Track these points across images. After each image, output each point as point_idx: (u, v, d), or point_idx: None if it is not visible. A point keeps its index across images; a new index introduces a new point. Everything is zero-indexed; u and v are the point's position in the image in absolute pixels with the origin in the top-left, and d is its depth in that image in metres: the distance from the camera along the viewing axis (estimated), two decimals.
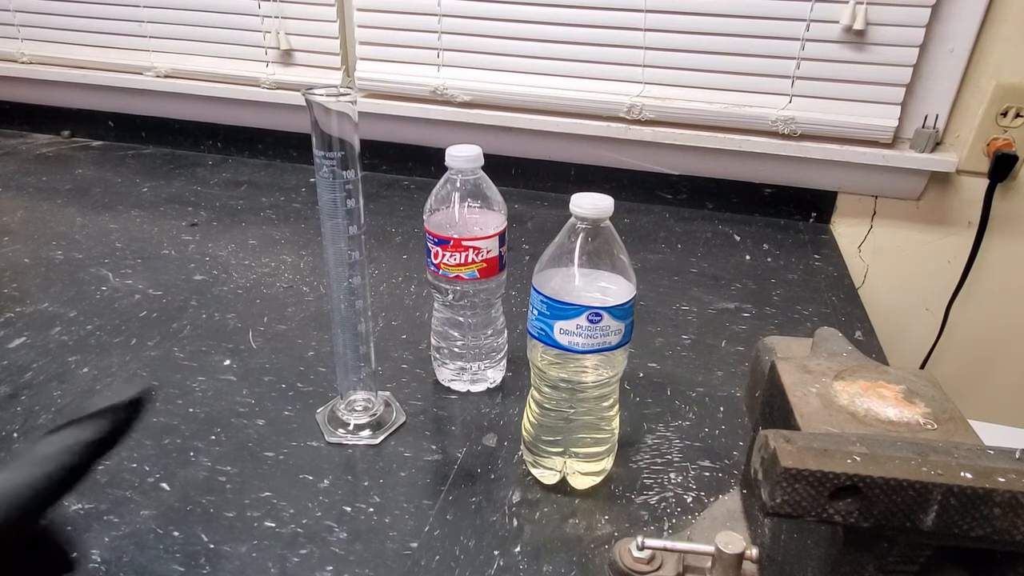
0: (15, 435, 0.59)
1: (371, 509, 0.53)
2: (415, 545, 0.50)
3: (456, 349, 0.66)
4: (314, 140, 0.50)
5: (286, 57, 1.19)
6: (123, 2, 1.22)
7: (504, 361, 0.69)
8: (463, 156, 0.58)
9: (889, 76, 0.95)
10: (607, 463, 0.56)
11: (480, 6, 1.06)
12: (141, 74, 1.26)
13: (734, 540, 0.41)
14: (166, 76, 1.25)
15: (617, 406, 0.55)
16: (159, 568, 0.48)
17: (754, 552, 0.41)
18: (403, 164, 1.24)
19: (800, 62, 0.97)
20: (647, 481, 0.57)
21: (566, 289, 0.48)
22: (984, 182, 0.98)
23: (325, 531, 0.51)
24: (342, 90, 0.48)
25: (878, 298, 1.09)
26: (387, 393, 0.66)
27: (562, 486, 0.56)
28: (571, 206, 0.48)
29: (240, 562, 0.48)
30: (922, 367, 1.12)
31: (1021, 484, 0.30)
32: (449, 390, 0.67)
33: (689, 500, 0.55)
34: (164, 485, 0.55)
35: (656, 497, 0.55)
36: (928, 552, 0.33)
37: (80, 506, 0.52)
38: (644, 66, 1.03)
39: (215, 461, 0.57)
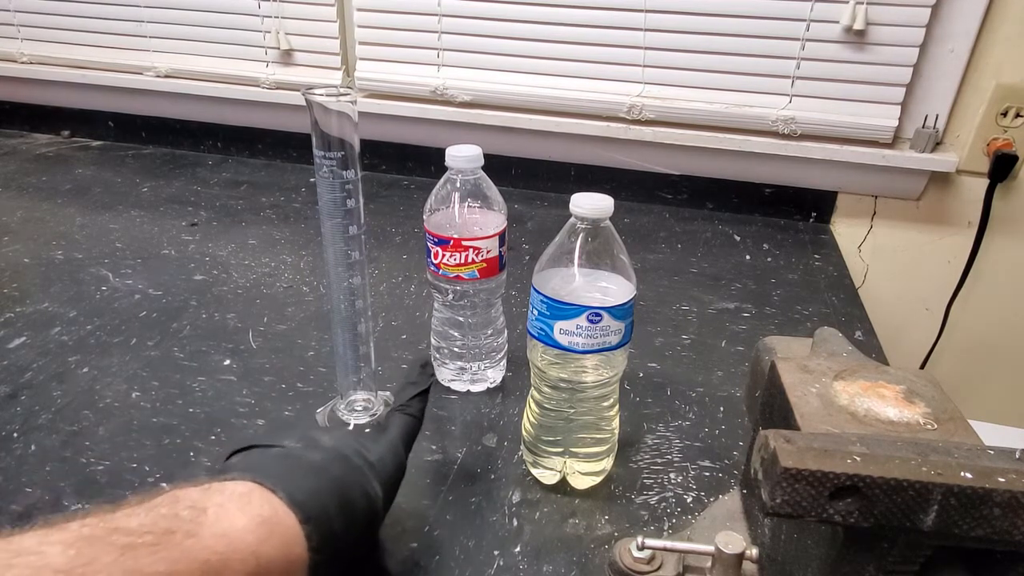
0: (15, 435, 0.59)
1: None
2: (415, 545, 0.50)
3: (456, 349, 0.66)
4: (314, 140, 0.50)
5: (286, 57, 1.19)
6: (123, 2, 1.23)
7: (504, 361, 0.69)
8: (463, 156, 0.58)
9: (889, 76, 0.95)
10: (607, 463, 0.56)
11: (480, 6, 1.06)
12: (141, 74, 1.26)
13: (734, 540, 0.41)
14: (166, 76, 1.25)
15: (617, 406, 0.55)
16: None
17: (754, 552, 0.41)
18: (403, 164, 1.24)
19: (800, 62, 0.97)
20: (647, 481, 0.57)
21: (566, 289, 0.48)
22: (984, 182, 0.98)
23: None
24: (342, 90, 0.48)
25: (878, 298, 1.09)
26: (387, 393, 0.66)
27: (562, 486, 0.56)
28: (571, 206, 0.48)
29: None
30: (922, 367, 1.12)
31: (1021, 484, 0.30)
32: (449, 390, 0.67)
33: (689, 500, 0.55)
34: (164, 485, 0.55)
35: (656, 497, 0.55)
36: (928, 552, 0.33)
37: (80, 506, 0.52)
38: (644, 66, 1.03)
39: (215, 461, 0.57)
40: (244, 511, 0.34)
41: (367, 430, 0.48)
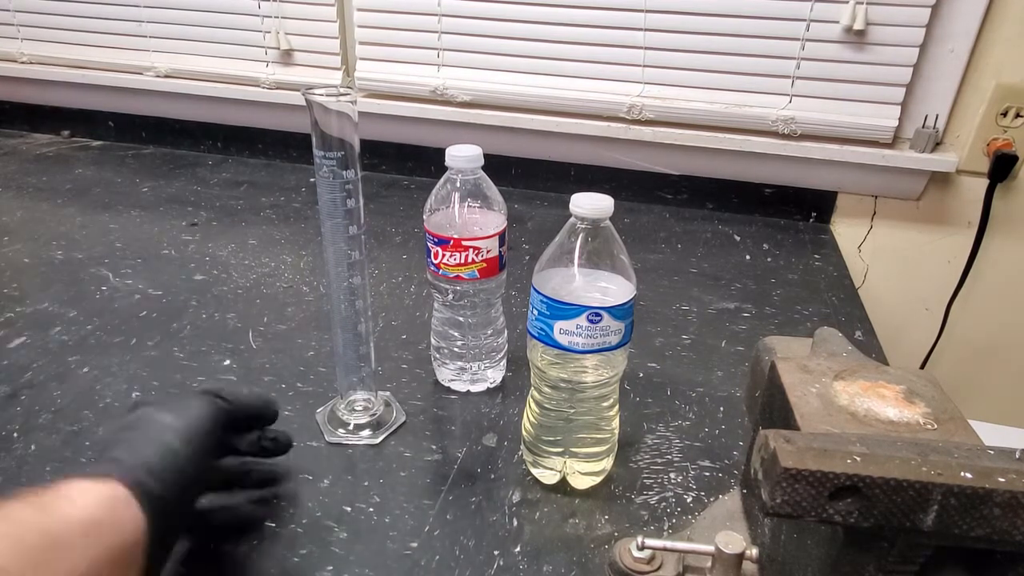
0: (15, 435, 0.59)
1: (371, 509, 0.53)
2: (415, 545, 0.50)
3: (456, 349, 0.66)
4: (314, 140, 0.50)
5: (286, 57, 1.19)
6: (123, 2, 1.23)
7: (504, 361, 0.69)
8: (463, 156, 0.58)
9: (889, 76, 0.95)
10: (607, 463, 0.56)
11: (480, 6, 1.06)
12: (141, 74, 1.26)
13: (734, 540, 0.41)
14: (166, 76, 1.25)
15: (617, 406, 0.55)
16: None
17: (754, 552, 0.41)
18: (403, 164, 1.24)
19: (800, 62, 0.97)
20: (647, 481, 0.57)
21: (566, 289, 0.48)
22: (984, 182, 0.98)
23: (325, 531, 0.51)
24: (342, 90, 0.48)
25: (878, 298, 1.09)
26: (387, 393, 0.66)
27: (562, 486, 0.56)
28: (571, 206, 0.48)
29: (240, 562, 0.48)
30: (922, 367, 1.12)
31: (1021, 484, 0.30)
32: (449, 390, 0.67)
33: (689, 500, 0.55)
34: None
35: (656, 497, 0.55)
36: (928, 552, 0.33)
37: None
38: (644, 66, 1.03)
39: None
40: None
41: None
